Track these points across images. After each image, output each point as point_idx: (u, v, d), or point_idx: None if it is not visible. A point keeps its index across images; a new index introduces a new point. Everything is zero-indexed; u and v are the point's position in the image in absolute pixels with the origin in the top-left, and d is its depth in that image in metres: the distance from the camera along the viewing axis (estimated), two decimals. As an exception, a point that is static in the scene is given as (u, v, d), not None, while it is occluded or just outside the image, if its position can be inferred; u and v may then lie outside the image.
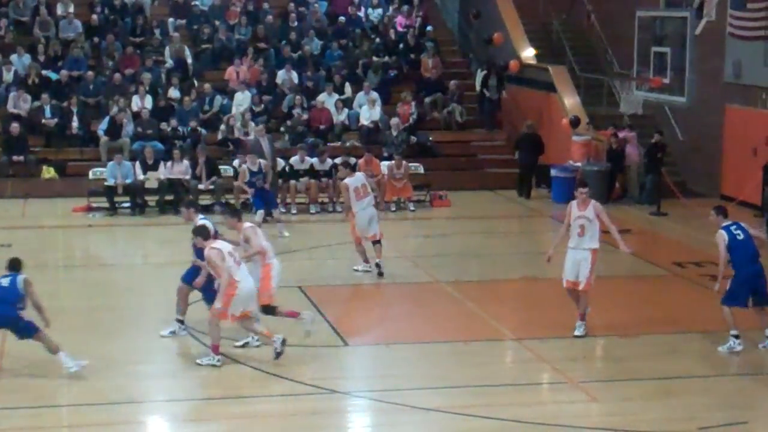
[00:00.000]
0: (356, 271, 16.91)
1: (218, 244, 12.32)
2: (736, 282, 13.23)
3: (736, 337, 13.12)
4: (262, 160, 20.10)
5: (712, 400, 11.54)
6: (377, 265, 16.68)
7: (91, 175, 22.83)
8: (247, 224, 13.35)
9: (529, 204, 23.96)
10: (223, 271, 11.99)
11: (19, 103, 24.52)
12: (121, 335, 13.70)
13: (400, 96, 26.35)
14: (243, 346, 12.77)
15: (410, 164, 23.34)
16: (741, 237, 13.19)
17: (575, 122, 24.47)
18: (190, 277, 13.16)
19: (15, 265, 12.36)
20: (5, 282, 12.03)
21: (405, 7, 29.86)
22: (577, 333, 13.58)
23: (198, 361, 12.28)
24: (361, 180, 16.84)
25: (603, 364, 13.35)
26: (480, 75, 27.26)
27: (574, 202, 13.79)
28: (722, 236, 13.15)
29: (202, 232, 12.60)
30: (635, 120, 24.93)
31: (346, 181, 16.84)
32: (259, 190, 19.79)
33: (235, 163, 22.57)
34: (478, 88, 27.38)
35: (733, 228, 13.27)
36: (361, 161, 22.94)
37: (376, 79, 26.90)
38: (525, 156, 24.42)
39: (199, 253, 12.70)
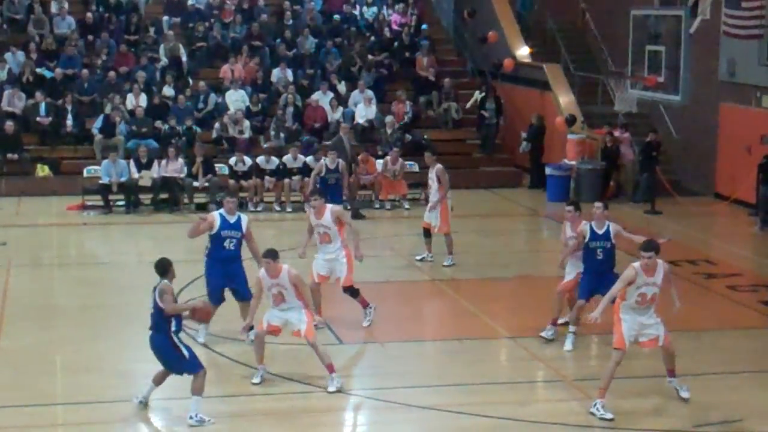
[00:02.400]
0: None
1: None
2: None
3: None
4: (340, 160, 20.04)
5: (707, 398, 11.56)
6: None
7: (85, 174, 22.82)
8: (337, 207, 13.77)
9: (523, 203, 24.00)
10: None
11: (14, 101, 24.50)
12: (116, 333, 13.71)
13: (395, 94, 26.37)
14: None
15: (406, 162, 23.36)
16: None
17: (570, 121, 24.52)
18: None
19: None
20: None
21: (400, 6, 29.87)
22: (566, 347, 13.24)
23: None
24: None
25: (597, 362, 13.35)
26: (478, 97, 26.86)
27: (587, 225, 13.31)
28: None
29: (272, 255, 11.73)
30: (630, 118, 24.99)
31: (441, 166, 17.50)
32: (330, 187, 19.57)
33: (231, 161, 22.59)
34: (470, 104, 27.09)
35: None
36: (359, 158, 23.01)
37: (371, 78, 26.92)
38: (534, 147, 25.00)
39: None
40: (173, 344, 10.67)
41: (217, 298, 13.06)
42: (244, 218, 13.19)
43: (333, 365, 11.55)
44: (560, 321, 13.52)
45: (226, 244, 12.97)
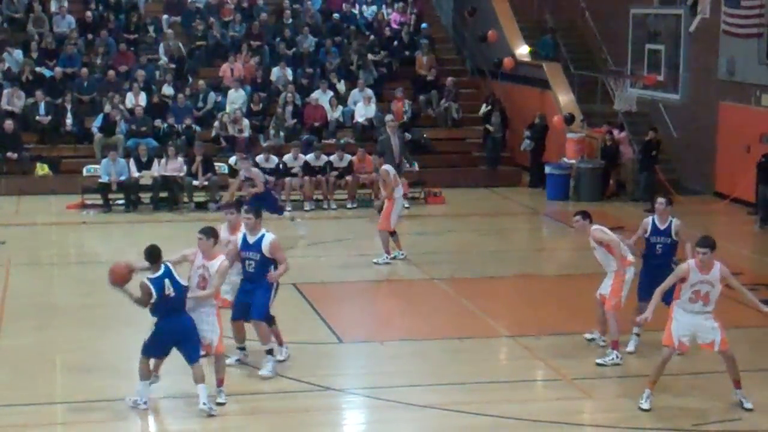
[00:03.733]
0: (376, 264, 17.26)
1: None
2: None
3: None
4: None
5: (706, 396, 11.57)
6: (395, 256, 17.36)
7: (85, 172, 22.84)
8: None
9: (523, 201, 24.00)
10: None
11: (13, 100, 24.51)
12: (116, 332, 13.70)
13: (395, 93, 26.37)
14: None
15: (404, 161, 23.34)
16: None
17: (569, 120, 24.53)
18: None
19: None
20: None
21: (399, 4, 29.87)
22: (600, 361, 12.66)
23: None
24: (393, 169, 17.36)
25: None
26: (483, 110, 26.23)
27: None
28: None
29: None
30: (629, 117, 25.00)
31: (386, 167, 17.44)
32: None
33: (231, 160, 22.59)
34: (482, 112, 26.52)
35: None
36: (354, 158, 23.04)
37: (371, 77, 26.91)
38: (537, 145, 25.06)
39: None
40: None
41: (236, 315, 12.23)
42: (267, 237, 11.80)
43: (224, 381, 11.13)
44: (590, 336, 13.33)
45: (246, 265, 11.88)
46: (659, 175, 23.20)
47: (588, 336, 13.36)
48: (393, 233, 17.62)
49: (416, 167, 23.67)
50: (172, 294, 10.67)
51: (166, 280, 10.66)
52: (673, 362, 12.72)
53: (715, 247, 11.03)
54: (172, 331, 10.78)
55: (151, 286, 10.64)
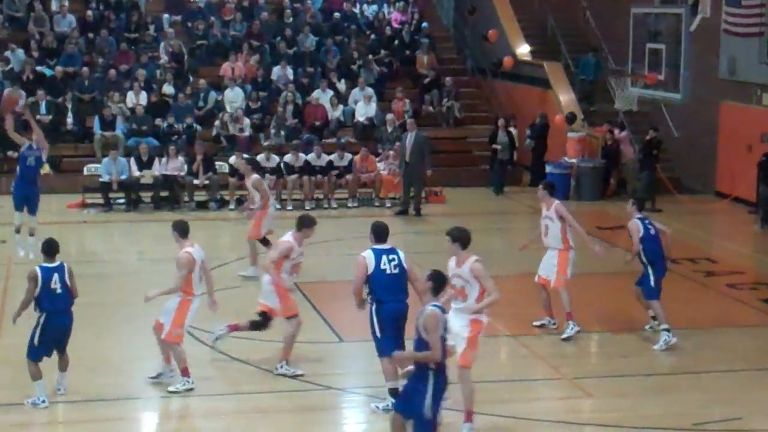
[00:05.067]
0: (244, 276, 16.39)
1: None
2: (656, 277, 13.44)
3: (668, 330, 13.12)
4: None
5: (707, 395, 11.58)
6: None
7: (85, 171, 22.85)
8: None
9: (524, 200, 23.98)
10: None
11: (14, 99, 24.50)
12: (117, 331, 13.73)
13: (395, 92, 26.37)
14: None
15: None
16: (652, 232, 13.55)
17: (571, 119, 24.53)
18: None
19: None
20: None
21: (400, 3, 29.87)
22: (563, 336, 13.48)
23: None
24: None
25: (597, 360, 13.39)
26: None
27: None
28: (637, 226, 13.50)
29: None
30: (630, 117, 25.00)
31: (257, 176, 16.52)
32: None
33: (231, 159, 22.59)
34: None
35: (646, 222, 13.66)
36: (356, 157, 23.04)
37: (371, 76, 26.92)
38: (538, 144, 24.95)
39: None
40: None
41: None
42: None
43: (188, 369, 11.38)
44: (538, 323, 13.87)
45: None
46: (660, 175, 23.19)
47: (537, 323, 13.73)
48: (265, 242, 16.52)
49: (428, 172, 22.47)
50: (58, 290, 10.81)
51: (56, 275, 10.81)
52: (671, 360, 12.76)
53: (459, 240, 10.81)
54: (56, 329, 10.96)
55: (39, 273, 10.78)
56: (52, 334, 10.92)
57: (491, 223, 21.56)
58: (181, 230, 11.74)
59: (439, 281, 9.48)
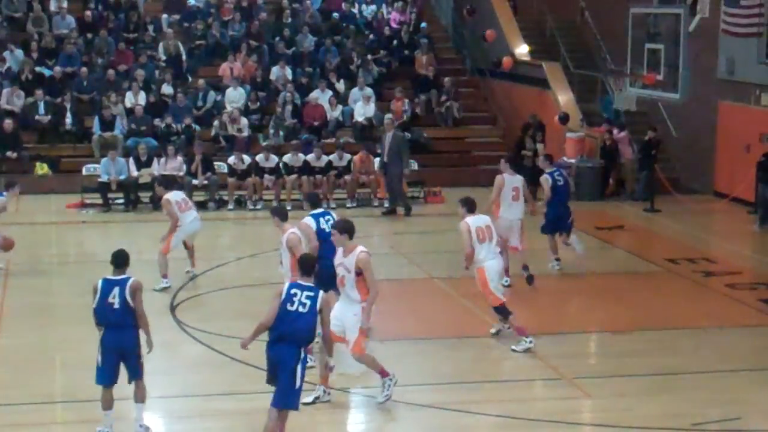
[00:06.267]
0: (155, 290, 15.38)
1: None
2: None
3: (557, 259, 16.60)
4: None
5: (706, 395, 11.58)
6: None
7: (84, 172, 22.83)
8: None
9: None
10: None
11: (13, 99, 24.50)
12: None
13: (394, 92, 26.37)
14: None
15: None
16: (561, 183, 16.51)
17: (564, 119, 24.47)
18: None
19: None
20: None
21: (399, 4, 29.87)
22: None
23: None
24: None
25: (597, 361, 13.39)
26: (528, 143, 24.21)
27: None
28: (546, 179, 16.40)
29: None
30: (629, 117, 25.00)
31: (168, 196, 15.67)
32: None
33: (230, 159, 22.59)
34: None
35: (555, 174, 16.61)
36: (356, 158, 23.03)
37: (370, 76, 26.91)
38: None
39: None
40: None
41: None
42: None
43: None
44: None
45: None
46: (659, 175, 23.20)
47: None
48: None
49: (412, 167, 23.11)
50: (116, 305, 10.11)
51: (116, 289, 10.15)
52: (670, 360, 12.77)
53: (347, 231, 10.83)
54: (113, 347, 10.20)
55: (99, 285, 10.19)
56: (111, 354, 10.20)
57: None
58: (283, 215, 12.37)
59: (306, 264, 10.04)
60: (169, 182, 17.75)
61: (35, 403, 11.16)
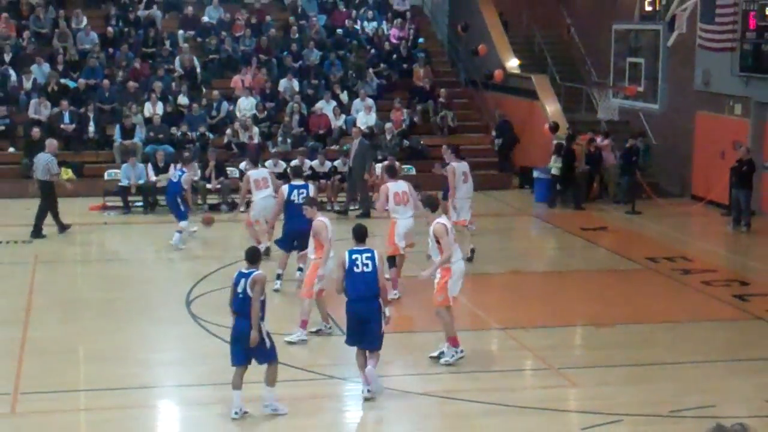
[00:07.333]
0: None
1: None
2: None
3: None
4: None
5: (682, 385, 11.59)
6: None
7: (106, 176, 22.85)
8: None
9: (513, 203, 24.00)
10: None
11: (40, 109, 24.52)
12: (135, 325, 13.73)
13: (394, 103, 26.39)
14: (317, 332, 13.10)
15: (403, 166, 23.37)
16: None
17: (554, 128, 24.51)
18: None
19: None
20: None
21: (398, 20, 29.90)
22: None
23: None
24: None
25: (581, 352, 13.40)
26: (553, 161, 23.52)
27: None
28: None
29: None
30: (612, 126, 25.01)
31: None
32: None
33: (242, 165, 22.58)
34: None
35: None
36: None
37: (371, 88, 26.93)
38: (505, 140, 25.50)
39: None
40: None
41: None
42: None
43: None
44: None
45: None
46: (639, 180, 23.20)
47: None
48: None
49: (375, 173, 22.25)
50: (240, 295, 10.29)
51: (243, 281, 10.31)
52: (649, 352, 12.77)
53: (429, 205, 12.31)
54: (237, 334, 10.39)
55: (234, 277, 10.43)
56: (235, 339, 10.39)
57: (482, 224, 21.51)
58: (433, 205, 12.48)
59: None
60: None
61: (60, 392, 11.19)
